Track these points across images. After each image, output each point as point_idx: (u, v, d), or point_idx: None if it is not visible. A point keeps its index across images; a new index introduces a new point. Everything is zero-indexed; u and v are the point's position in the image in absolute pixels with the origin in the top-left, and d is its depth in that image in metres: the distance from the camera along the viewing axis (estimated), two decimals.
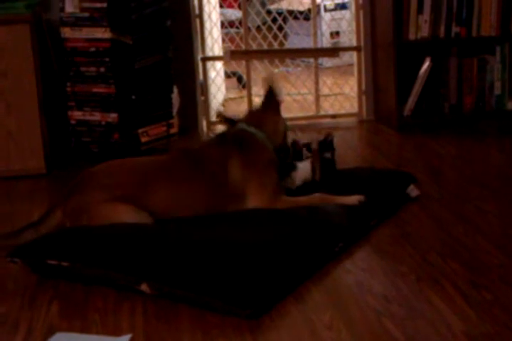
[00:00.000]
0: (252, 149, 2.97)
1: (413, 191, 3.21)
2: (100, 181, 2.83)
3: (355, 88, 4.60)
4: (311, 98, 4.73)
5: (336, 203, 2.93)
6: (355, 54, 4.57)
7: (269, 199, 2.90)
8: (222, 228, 2.71)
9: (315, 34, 4.63)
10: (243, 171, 2.91)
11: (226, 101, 4.95)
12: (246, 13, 4.52)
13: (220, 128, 4.41)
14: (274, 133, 3.07)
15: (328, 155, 3.20)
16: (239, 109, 4.71)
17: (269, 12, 5.37)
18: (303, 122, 4.57)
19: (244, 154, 2.94)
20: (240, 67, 5.10)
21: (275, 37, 4.93)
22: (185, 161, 2.95)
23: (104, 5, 3.74)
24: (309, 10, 4.83)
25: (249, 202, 2.90)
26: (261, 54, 4.77)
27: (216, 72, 4.70)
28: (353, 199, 2.94)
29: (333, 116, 4.61)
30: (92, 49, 3.81)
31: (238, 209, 2.89)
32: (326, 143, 3.24)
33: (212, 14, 4.61)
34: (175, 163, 2.94)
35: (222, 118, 3.25)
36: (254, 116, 3.13)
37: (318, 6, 5.58)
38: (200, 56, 4.43)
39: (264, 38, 4.89)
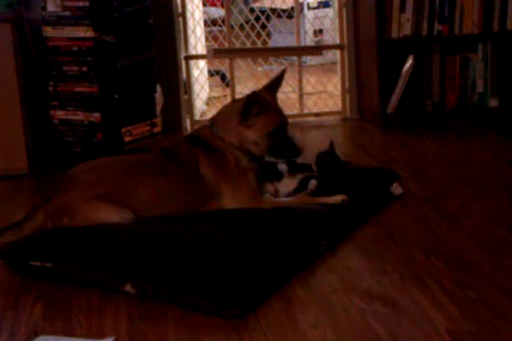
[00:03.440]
0: (219, 152, 2.94)
1: (397, 189, 3.22)
2: (81, 180, 2.82)
3: (339, 86, 4.61)
4: (294, 96, 4.73)
5: (321, 202, 2.93)
6: (338, 52, 4.58)
7: (247, 200, 2.89)
8: (206, 228, 2.70)
9: (298, 32, 4.63)
10: (214, 171, 2.90)
11: (210, 99, 4.94)
12: (229, 12, 4.52)
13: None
14: (246, 143, 2.95)
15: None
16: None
17: (252, 10, 5.37)
18: None
19: (214, 155, 2.92)
20: (223, 66, 5.10)
21: (258, 35, 4.93)
22: (162, 159, 2.94)
23: (87, 3, 3.73)
24: (292, 8, 4.84)
25: (225, 202, 2.90)
26: (244, 52, 4.77)
27: (199, 70, 4.69)
28: (336, 199, 2.94)
29: (317, 115, 4.62)
30: (75, 48, 3.79)
31: (217, 208, 2.88)
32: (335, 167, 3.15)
33: (195, 13, 4.60)
34: (154, 161, 2.93)
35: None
36: (225, 119, 2.98)
37: (301, 4, 5.59)
38: (183, 55, 4.42)
39: (248, 36, 4.89)
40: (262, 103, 2.90)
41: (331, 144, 3.19)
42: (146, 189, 2.83)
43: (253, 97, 2.88)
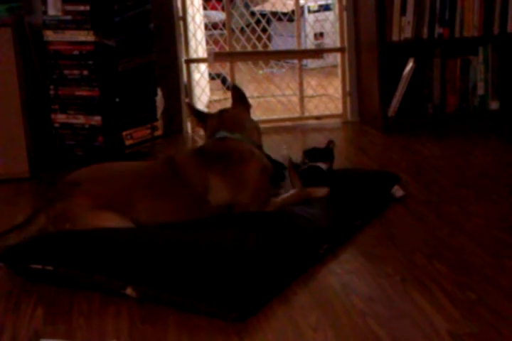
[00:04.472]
0: (241, 161, 2.88)
1: (398, 191, 3.22)
2: (85, 189, 2.80)
3: (340, 89, 4.61)
4: (295, 99, 4.74)
5: (313, 196, 2.99)
6: (339, 55, 4.58)
7: (257, 207, 2.89)
8: (208, 231, 2.71)
9: (299, 35, 4.64)
10: (228, 187, 2.85)
11: (211, 103, 4.95)
12: (229, 15, 4.53)
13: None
14: (255, 135, 3.04)
15: (323, 166, 3.13)
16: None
17: (252, 14, 5.37)
18: (287, 123, 4.58)
19: (230, 169, 2.86)
20: (224, 69, 5.11)
21: (259, 38, 4.94)
22: (169, 172, 2.88)
23: (87, 8, 3.74)
24: (293, 11, 4.84)
25: (235, 211, 2.88)
26: (245, 56, 4.78)
27: (200, 74, 4.70)
28: (323, 192, 3.00)
29: (318, 118, 4.62)
30: (76, 52, 3.80)
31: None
32: (325, 152, 3.20)
33: (195, 16, 4.60)
34: (159, 172, 2.89)
35: (192, 110, 3.15)
36: (231, 120, 3.00)
37: (302, 7, 5.60)
38: (184, 58, 4.43)
39: (248, 39, 4.89)
40: None
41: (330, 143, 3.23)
42: (148, 202, 2.81)
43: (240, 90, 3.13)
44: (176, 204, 2.84)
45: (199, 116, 3.09)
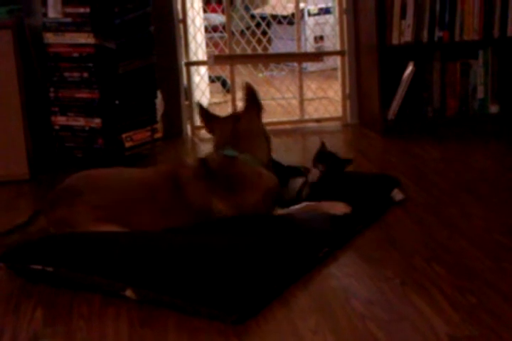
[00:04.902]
0: (246, 188, 2.84)
1: (397, 195, 3.22)
2: (86, 198, 2.79)
3: (339, 92, 4.61)
4: (295, 102, 4.74)
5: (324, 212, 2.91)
6: (339, 58, 4.58)
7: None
8: (208, 234, 2.71)
9: (299, 39, 4.64)
10: (232, 210, 2.83)
11: (211, 105, 4.95)
12: (230, 18, 4.53)
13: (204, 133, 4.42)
14: (265, 150, 2.96)
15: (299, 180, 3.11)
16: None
17: (252, 17, 5.38)
18: (287, 126, 4.59)
19: (234, 195, 2.83)
20: (224, 72, 5.11)
21: (259, 41, 4.95)
22: (172, 188, 2.85)
23: (88, 10, 3.74)
24: (293, 14, 4.85)
25: None
26: (245, 58, 4.78)
27: (200, 76, 4.70)
28: (341, 210, 2.92)
29: (318, 121, 4.63)
30: (76, 54, 3.80)
31: None
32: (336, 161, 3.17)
33: (195, 19, 4.61)
34: (161, 187, 2.85)
35: (202, 112, 2.98)
36: (242, 135, 2.89)
37: (302, 10, 5.60)
38: (184, 61, 4.43)
39: (248, 42, 4.90)
40: None
41: (323, 144, 3.22)
42: (148, 216, 2.81)
43: (254, 93, 2.96)
44: (177, 219, 2.83)
45: (208, 120, 2.97)
